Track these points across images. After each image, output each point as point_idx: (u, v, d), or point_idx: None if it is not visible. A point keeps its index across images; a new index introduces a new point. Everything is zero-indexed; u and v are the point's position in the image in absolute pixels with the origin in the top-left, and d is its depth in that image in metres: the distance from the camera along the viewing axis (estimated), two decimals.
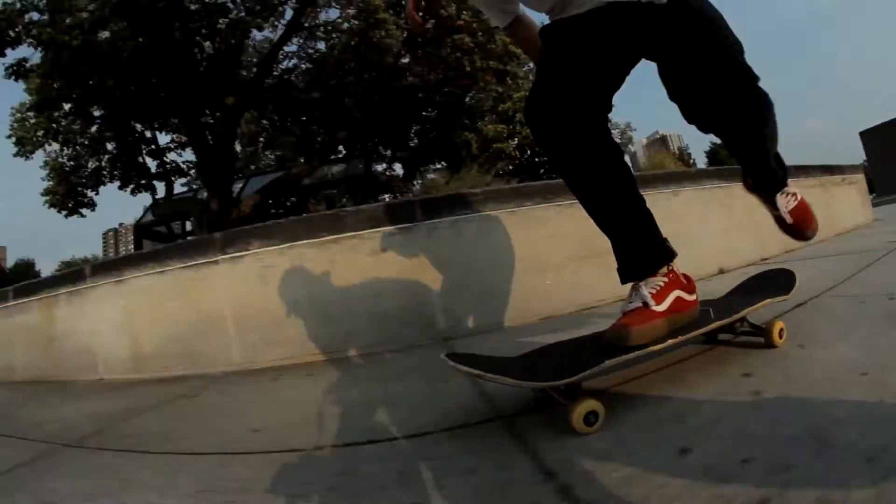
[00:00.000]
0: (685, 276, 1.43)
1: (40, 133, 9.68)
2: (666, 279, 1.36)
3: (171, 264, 2.94)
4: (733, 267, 3.40)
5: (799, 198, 1.64)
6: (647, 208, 1.44)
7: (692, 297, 1.41)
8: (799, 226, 1.64)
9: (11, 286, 4.26)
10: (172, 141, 11.10)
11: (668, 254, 1.41)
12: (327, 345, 2.65)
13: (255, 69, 8.39)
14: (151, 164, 10.86)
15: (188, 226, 12.13)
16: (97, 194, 10.76)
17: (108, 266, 3.31)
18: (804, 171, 4.58)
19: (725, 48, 1.34)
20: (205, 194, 9.26)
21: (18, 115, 9.84)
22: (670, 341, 1.24)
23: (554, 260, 2.90)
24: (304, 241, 2.76)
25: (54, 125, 9.51)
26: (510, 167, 13.75)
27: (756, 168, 1.60)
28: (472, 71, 9.46)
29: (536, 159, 14.65)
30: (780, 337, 1.44)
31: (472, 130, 11.71)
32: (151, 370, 3.01)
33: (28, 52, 7.56)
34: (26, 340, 3.94)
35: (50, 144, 10.25)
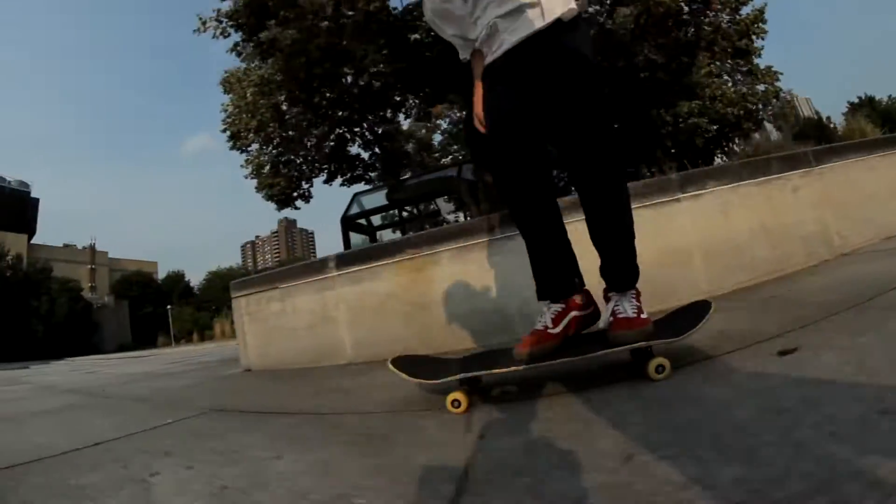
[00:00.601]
0: (586, 292, 1.74)
1: (254, 124, 9.74)
2: (564, 305, 1.68)
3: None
4: None
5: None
6: (566, 244, 1.73)
7: (586, 312, 1.71)
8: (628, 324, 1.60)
9: (335, 254, 3.68)
10: (383, 132, 11.13)
11: (571, 289, 1.70)
12: (770, 268, 3.10)
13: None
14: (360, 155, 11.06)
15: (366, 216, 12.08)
16: (311, 186, 10.91)
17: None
18: None
19: (599, 101, 1.57)
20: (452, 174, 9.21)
21: (230, 108, 9.93)
22: (559, 360, 1.58)
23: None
24: (748, 182, 3.19)
25: (272, 120, 9.62)
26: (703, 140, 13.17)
27: (618, 250, 1.66)
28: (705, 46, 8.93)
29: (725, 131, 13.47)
30: (658, 373, 1.47)
31: (674, 106, 11.37)
32: None
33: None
34: (365, 313, 3.40)
35: (255, 142, 10.37)
